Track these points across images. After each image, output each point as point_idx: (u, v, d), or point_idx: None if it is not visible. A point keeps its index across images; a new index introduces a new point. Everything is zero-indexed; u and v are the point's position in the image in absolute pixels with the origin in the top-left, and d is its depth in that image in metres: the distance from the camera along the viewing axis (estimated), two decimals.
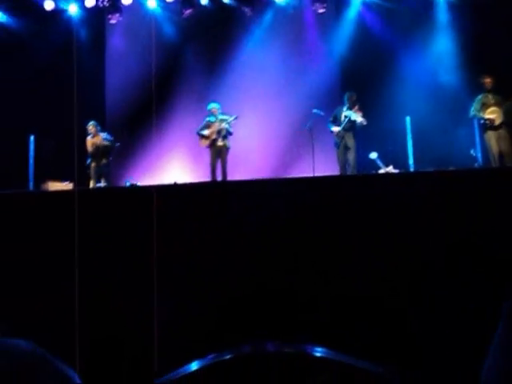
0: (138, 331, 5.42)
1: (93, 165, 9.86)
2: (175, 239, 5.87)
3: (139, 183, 10.19)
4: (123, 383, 5.08)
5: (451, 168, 8.28)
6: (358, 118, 9.31)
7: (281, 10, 11.60)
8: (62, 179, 9.06)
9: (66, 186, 8.90)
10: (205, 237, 5.87)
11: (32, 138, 9.77)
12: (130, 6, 11.61)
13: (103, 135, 10.05)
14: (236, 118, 9.83)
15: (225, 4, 11.58)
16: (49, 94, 10.92)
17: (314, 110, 9.76)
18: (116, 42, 11.91)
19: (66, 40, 10.33)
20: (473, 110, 8.89)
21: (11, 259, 5.54)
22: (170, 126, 11.49)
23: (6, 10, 11.09)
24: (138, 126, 11.46)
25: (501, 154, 8.64)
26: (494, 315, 1.78)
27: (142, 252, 5.76)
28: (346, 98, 9.53)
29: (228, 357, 3.47)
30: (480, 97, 8.91)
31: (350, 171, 9.28)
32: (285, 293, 5.55)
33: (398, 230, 5.77)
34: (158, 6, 11.67)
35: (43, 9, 10.98)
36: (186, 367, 3.53)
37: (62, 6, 11.23)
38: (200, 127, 10.02)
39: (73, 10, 11.20)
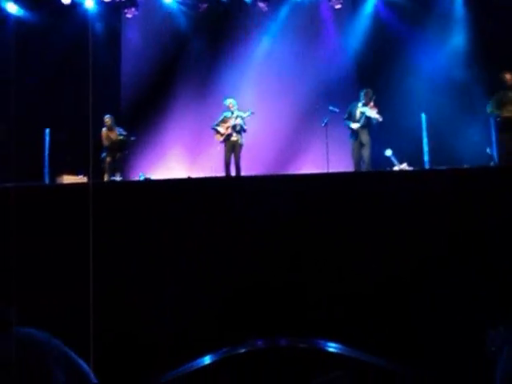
0: (151, 325, 5.44)
1: (108, 159, 9.86)
2: (187, 233, 5.88)
3: (153, 177, 10.23)
4: (136, 377, 5.10)
5: (466, 166, 8.21)
6: (373, 114, 9.26)
7: (296, 5, 11.56)
8: (76, 173, 9.10)
9: (81, 179, 8.93)
10: (217, 231, 5.88)
11: (47, 131, 9.81)
12: (146, 1, 11.65)
13: (119, 130, 10.07)
14: (251, 114, 9.84)
15: None
16: (65, 87, 10.98)
17: (330, 107, 9.73)
18: (132, 36, 11.93)
19: (83, 34, 10.35)
20: (490, 107, 8.64)
21: (25, 252, 5.57)
22: (185, 121, 11.52)
23: (24, 4, 11.14)
24: (153, 119, 11.51)
25: None
26: None
27: (155, 246, 5.79)
28: (362, 94, 9.48)
29: (241, 351, 3.48)
30: (499, 94, 8.62)
31: (364, 168, 9.24)
32: (297, 289, 5.55)
33: (412, 227, 5.74)
34: (174, 0, 11.68)
35: (60, 3, 11.02)
36: (198, 361, 3.54)
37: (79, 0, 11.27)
38: (216, 122, 10.03)
39: (89, 3, 11.23)
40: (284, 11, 11.66)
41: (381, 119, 9.21)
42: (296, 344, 3.68)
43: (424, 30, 10.74)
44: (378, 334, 5.21)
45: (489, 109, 8.67)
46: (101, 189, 6.68)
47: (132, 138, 10.17)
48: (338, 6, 11.34)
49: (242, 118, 9.84)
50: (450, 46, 10.77)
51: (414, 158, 9.41)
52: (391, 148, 9.44)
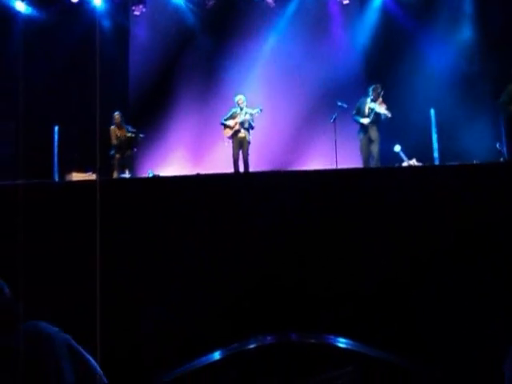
0: (157, 321, 5.45)
1: (117, 156, 9.88)
2: (196, 229, 5.88)
3: (161, 173, 10.24)
4: (143, 374, 5.11)
5: (475, 162, 8.17)
6: (382, 110, 9.23)
7: (304, 1, 11.54)
8: (85, 170, 9.13)
9: (90, 176, 8.96)
10: (225, 227, 5.87)
11: (56, 128, 9.84)
12: None
13: (127, 127, 10.08)
14: (260, 111, 9.83)
15: None
16: (73, 85, 11.01)
17: (339, 103, 9.70)
18: (139, 34, 11.95)
19: (91, 32, 10.37)
20: (501, 102, 8.51)
21: (34, 249, 5.59)
22: (192, 117, 11.53)
23: (32, 2, 11.18)
24: (161, 116, 11.52)
25: None
26: None
27: (163, 242, 5.79)
28: (370, 89, 9.44)
29: (251, 346, 3.48)
30: (510, 89, 8.46)
31: (373, 164, 9.21)
32: (305, 285, 5.54)
33: (421, 223, 5.71)
34: None
35: (68, 1, 11.07)
36: (208, 357, 3.54)
37: None
38: (225, 117, 10.03)
39: (97, 1, 11.25)
40: (291, 7, 11.64)
41: (390, 115, 9.18)
42: (306, 339, 3.67)
43: (432, 25, 10.70)
44: (387, 331, 5.19)
45: (499, 104, 8.54)
46: (110, 186, 6.69)
47: (141, 136, 10.18)
48: (345, 2, 11.35)
49: (251, 115, 9.84)
50: (458, 40, 10.73)
51: (422, 153, 9.38)
52: (400, 144, 9.41)
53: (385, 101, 9.34)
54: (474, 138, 9.41)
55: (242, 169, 9.80)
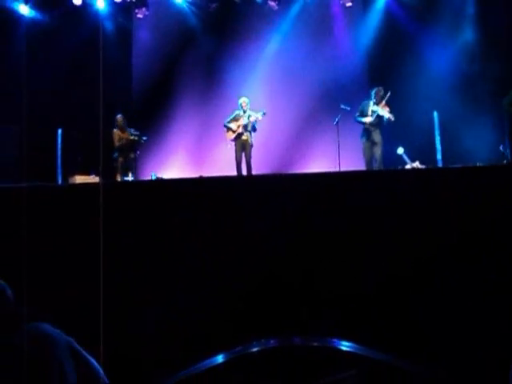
0: (161, 324, 5.44)
1: (120, 159, 9.89)
2: (199, 232, 5.87)
3: (164, 176, 10.25)
4: (146, 377, 5.11)
5: (479, 164, 8.15)
6: (385, 113, 9.22)
7: (307, 3, 11.54)
8: (89, 173, 9.13)
9: (93, 179, 8.97)
10: (228, 230, 5.87)
11: (60, 131, 9.85)
12: (156, 1, 11.69)
13: (130, 130, 10.08)
14: (263, 114, 9.82)
15: None
16: (77, 88, 11.02)
17: (342, 105, 9.69)
18: (142, 36, 11.98)
19: (94, 35, 10.41)
20: (506, 104, 8.47)
21: (37, 252, 5.59)
22: (195, 120, 11.54)
23: (35, 6, 11.20)
24: (163, 118, 11.53)
25: None
26: None
27: (166, 245, 5.79)
28: (373, 92, 9.44)
29: (254, 350, 3.46)
30: None
31: (376, 166, 9.20)
32: (307, 288, 5.53)
33: (424, 226, 5.70)
34: (185, 0, 11.70)
35: (71, 3, 11.08)
36: (211, 360, 3.53)
37: (90, 0, 11.30)
38: (227, 119, 10.03)
39: (100, 4, 11.27)
40: (294, 9, 11.66)
41: (393, 119, 9.16)
42: (309, 342, 3.66)
43: (435, 27, 10.69)
44: (391, 333, 5.18)
45: (504, 106, 8.52)
46: (113, 188, 6.69)
47: (144, 138, 10.19)
48: (348, 4, 11.34)
49: (255, 118, 9.83)
50: (461, 42, 10.71)
51: (426, 156, 9.36)
52: (403, 146, 9.40)
53: (388, 104, 9.33)
54: (477, 140, 9.39)
55: (244, 171, 9.80)
